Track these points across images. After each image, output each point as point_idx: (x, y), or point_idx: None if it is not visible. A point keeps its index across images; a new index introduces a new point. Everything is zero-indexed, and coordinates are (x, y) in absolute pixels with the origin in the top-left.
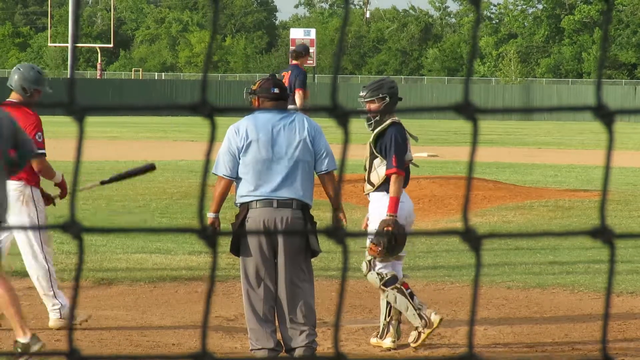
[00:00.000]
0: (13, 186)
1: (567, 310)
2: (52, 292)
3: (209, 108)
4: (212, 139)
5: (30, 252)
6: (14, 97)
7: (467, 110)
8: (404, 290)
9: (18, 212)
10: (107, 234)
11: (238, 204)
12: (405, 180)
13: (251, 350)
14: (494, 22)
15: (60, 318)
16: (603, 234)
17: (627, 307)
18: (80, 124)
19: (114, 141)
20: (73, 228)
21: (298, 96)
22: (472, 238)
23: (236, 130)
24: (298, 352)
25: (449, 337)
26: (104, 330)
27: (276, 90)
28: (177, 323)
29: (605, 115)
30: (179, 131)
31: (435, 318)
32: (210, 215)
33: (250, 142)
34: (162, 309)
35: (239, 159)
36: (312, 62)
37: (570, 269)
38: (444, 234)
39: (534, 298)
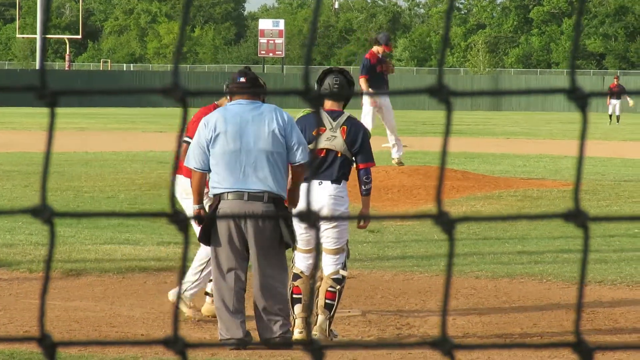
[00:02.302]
0: None
1: (536, 299)
2: None
3: (181, 91)
4: (184, 122)
5: None
6: None
7: (441, 92)
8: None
9: None
10: (78, 218)
11: (211, 195)
12: (316, 169)
13: (220, 340)
14: (462, 12)
15: None
16: (576, 217)
17: (595, 297)
18: (52, 109)
19: (83, 132)
20: (43, 212)
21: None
22: (445, 221)
23: (205, 123)
24: (274, 342)
25: (418, 327)
26: (72, 321)
27: (242, 80)
28: (146, 314)
29: (579, 97)
30: (147, 122)
31: (295, 334)
32: (194, 207)
33: (219, 134)
34: (131, 300)
35: (209, 151)
36: (280, 53)
37: (538, 258)
38: (417, 217)
39: (502, 287)
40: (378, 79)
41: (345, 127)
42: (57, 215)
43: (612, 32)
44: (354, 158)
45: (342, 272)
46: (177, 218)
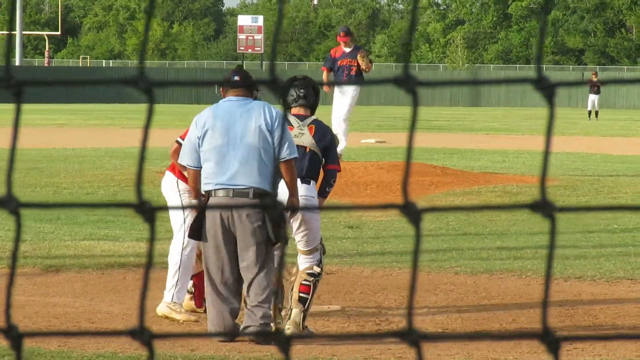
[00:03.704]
0: None
1: (515, 295)
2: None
3: (146, 82)
4: (151, 113)
5: None
6: None
7: (407, 82)
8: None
9: None
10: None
11: (203, 191)
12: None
13: (208, 332)
14: (441, 8)
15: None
16: (543, 207)
17: (574, 292)
18: (18, 99)
19: (62, 128)
20: (10, 203)
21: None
22: (411, 212)
23: (197, 120)
24: (250, 331)
25: (397, 323)
26: (52, 317)
27: (236, 78)
28: (126, 310)
29: (545, 87)
30: (127, 118)
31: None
32: (193, 201)
33: (207, 130)
34: (111, 296)
35: (199, 148)
36: (259, 49)
37: (518, 254)
38: (382, 207)
39: (481, 283)
40: (339, 73)
41: (313, 125)
42: (23, 206)
43: (592, 28)
44: (322, 158)
45: (316, 269)
46: (143, 208)
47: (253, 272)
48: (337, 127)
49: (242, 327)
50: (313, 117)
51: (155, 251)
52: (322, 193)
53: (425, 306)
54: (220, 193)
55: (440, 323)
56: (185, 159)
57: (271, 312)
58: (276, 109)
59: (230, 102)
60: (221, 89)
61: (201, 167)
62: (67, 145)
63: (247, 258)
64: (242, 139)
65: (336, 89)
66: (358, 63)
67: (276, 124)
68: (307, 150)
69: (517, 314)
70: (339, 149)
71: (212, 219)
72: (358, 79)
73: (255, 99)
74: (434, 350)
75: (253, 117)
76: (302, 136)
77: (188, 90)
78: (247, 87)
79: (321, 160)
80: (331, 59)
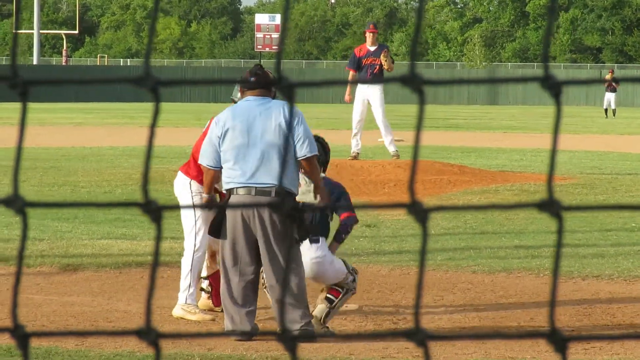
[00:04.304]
0: None
1: (533, 294)
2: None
3: (153, 81)
4: (157, 112)
5: None
6: None
7: (413, 81)
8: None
9: None
10: (50, 208)
11: (224, 190)
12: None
13: (225, 331)
14: (459, 6)
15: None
16: (551, 206)
17: (592, 291)
18: (24, 99)
19: (80, 127)
20: (16, 203)
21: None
22: (418, 211)
23: (216, 121)
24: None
25: (414, 321)
26: (69, 316)
27: (253, 79)
28: (143, 309)
29: (552, 85)
30: (144, 117)
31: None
32: (204, 196)
33: (228, 130)
34: (128, 295)
35: (220, 148)
36: (277, 47)
37: (535, 253)
38: (390, 206)
39: (499, 282)
40: (363, 72)
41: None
42: (29, 205)
43: (610, 26)
44: (333, 211)
45: (351, 284)
46: (150, 208)
47: (279, 271)
48: (385, 131)
49: (279, 328)
50: (323, 176)
51: (173, 250)
52: (338, 238)
53: (443, 305)
54: (242, 191)
55: (457, 321)
56: (205, 159)
57: (308, 310)
58: (295, 107)
59: (249, 102)
60: (240, 90)
61: (221, 168)
62: (84, 144)
63: (272, 257)
64: (262, 138)
65: (357, 92)
66: (381, 62)
67: (296, 122)
68: None
69: (535, 312)
70: (391, 149)
71: (233, 218)
72: (379, 77)
73: (274, 97)
74: (451, 349)
75: (272, 115)
76: (310, 194)
77: (205, 89)
78: (265, 86)
79: (330, 216)
80: (356, 59)
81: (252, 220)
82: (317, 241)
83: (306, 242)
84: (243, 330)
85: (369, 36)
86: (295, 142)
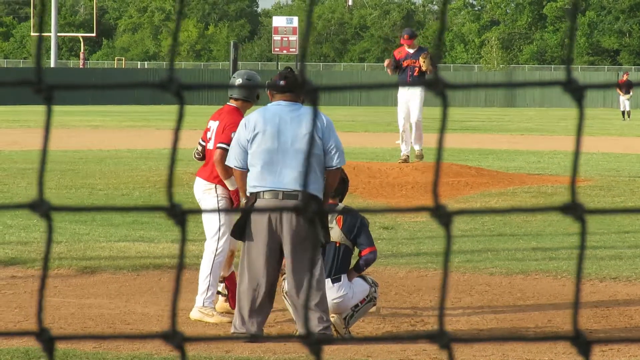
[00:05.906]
0: None
1: (550, 296)
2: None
3: (177, 85)
4: (181, 116)
5: None
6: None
7: (437, 85)
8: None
9: None
10: (75, 212)
11: (249, 193)
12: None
13: (233, 332)
14: (476, 8)
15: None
16: (574, 209)
17: (610, 293)
18: (49, 103)
19: (97, 130)
20: (41, 207)
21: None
22: (442, 214)
23: (245, 123)
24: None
25: (432, 324)
26: (87, 319)
27: (282, 83)
28: (161, 311)
29: (575, 89)
30: (162, 120)
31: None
32: (242, 201)
33: (257, 134)
34: (146, 297)
35: (248, 150)
36: (294, 50)
37: (553, 255)
38: (413, 210)
39: (517, 284)
40: (403, 74)
41: (341, 216)
42: (54, 209)
43: (627, 28)
44: (354, 246)
45: (373, 294)
46: (174, 212)
47: (303, 274)
48: (415, 130)
49: (298, 332)
50: (342, 205)
51: (190, 252)
52: (357, 269)
53: (461, 307)
54: (268, 195)
55: (475, 324)
56: (232, 161)
57: (327, 315)
58: (326, 117)
59: (280, 107)
60: (268, 92)
61: (247, 169)
62: (102, 146)
63: (297, 260)
64: (292, 145)
65: (399, 94)
66: (420, 64)
67: (327, 131)
68: (338, 244)
69: (553, 314)
70: (417, 148)
71: (259, 221)
72: (420, 79)
73: (303, 103)
74: (469, 351)
75: (303, 123)
76: (331, 230)
77: (223, 91)
78: (294, 91)
79: (352, 251)
80: (395, 61)
81: (278, 223)
82: (338, 279)
83: (328, 282)
84: (252, 333)
85: (404, 45)
86: (327, 151)
